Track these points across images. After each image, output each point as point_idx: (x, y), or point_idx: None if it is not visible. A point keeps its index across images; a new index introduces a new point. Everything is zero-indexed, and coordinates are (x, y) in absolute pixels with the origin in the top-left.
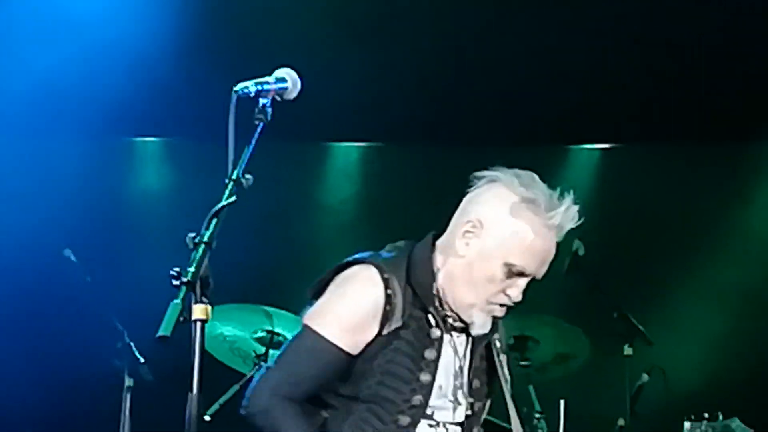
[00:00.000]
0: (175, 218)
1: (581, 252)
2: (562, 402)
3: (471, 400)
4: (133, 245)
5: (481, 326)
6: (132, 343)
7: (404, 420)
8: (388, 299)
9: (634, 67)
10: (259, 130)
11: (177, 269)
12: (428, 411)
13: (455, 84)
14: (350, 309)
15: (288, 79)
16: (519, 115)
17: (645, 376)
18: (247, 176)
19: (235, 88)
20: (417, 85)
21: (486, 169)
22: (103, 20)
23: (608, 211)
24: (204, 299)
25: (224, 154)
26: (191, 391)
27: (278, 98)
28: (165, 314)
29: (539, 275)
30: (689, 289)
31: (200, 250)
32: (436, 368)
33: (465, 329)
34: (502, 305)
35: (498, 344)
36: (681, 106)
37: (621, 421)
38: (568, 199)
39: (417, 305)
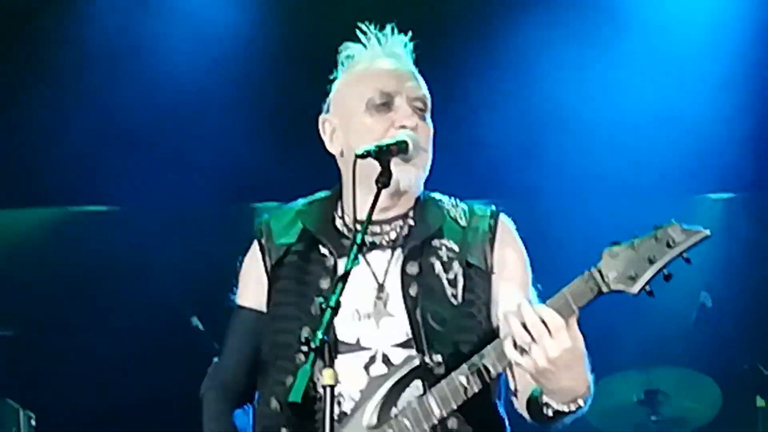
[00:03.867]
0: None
1: (708, 304)
2: None
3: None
4: None
5: (408, 182)
6: None
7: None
8: (260, 233)
9: (753, 115)
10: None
11: (306, 335)
12: (345, 339)
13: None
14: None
15: (408, 141)
16: (642, 165)
17: None
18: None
19: (357, 151)
20: None
21: None
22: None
23: (735, 262)
24: (332, 364)
25: None
26: None
27: (400, 160)
28: (295, 380)
29: (409, 91)
30: None
31: (327, 315)
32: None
33: (391, 241)
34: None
35: (445, 254)
36: None
37: None
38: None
39: (308, 237)
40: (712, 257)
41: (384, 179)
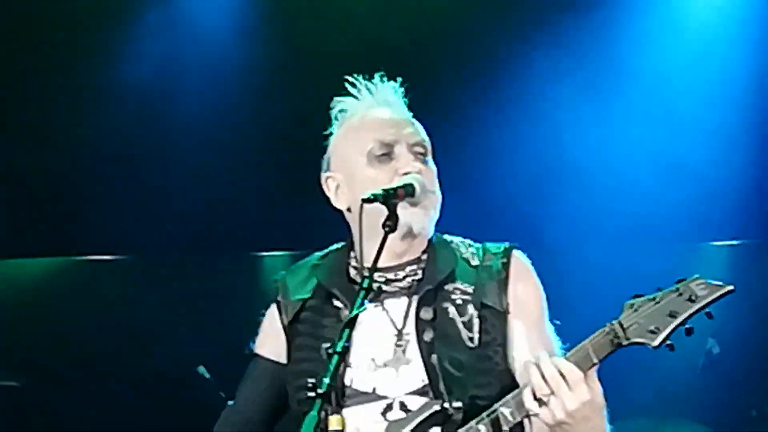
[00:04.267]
0: None
1: (715, 350)
2: None
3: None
4: None
5: (420, 225)
6: None
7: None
8: (277, 290)
9: (756, 161)
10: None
11: (312, 381)
12: (361, 389)
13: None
14: None
15: (415, 184)
16: (646, 213)
17: None
18: (377, 282)
19: (363, 196)
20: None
21: None
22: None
23: (742, 308)
24: (339, 410)
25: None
26: None
27: (408, 204)
28: (301, 428)
29: (408, 138)
30: None
31: (334, 361)
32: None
33: (403, 288)
34: None
35: (458, 297)
36: None
37: None
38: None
39: (322, 291)
40: (719, 303)
41: (391, 223)
